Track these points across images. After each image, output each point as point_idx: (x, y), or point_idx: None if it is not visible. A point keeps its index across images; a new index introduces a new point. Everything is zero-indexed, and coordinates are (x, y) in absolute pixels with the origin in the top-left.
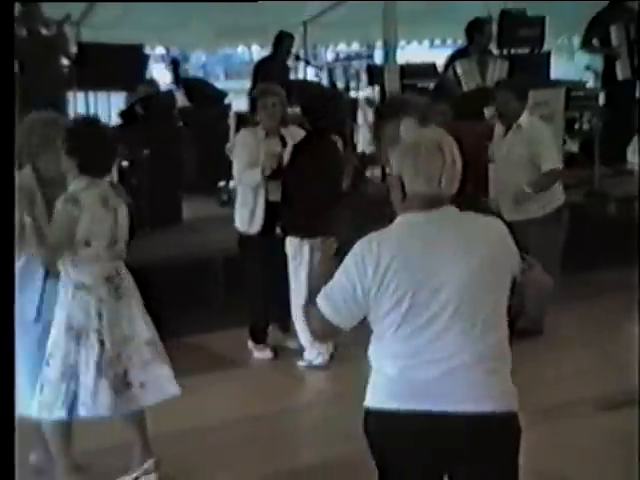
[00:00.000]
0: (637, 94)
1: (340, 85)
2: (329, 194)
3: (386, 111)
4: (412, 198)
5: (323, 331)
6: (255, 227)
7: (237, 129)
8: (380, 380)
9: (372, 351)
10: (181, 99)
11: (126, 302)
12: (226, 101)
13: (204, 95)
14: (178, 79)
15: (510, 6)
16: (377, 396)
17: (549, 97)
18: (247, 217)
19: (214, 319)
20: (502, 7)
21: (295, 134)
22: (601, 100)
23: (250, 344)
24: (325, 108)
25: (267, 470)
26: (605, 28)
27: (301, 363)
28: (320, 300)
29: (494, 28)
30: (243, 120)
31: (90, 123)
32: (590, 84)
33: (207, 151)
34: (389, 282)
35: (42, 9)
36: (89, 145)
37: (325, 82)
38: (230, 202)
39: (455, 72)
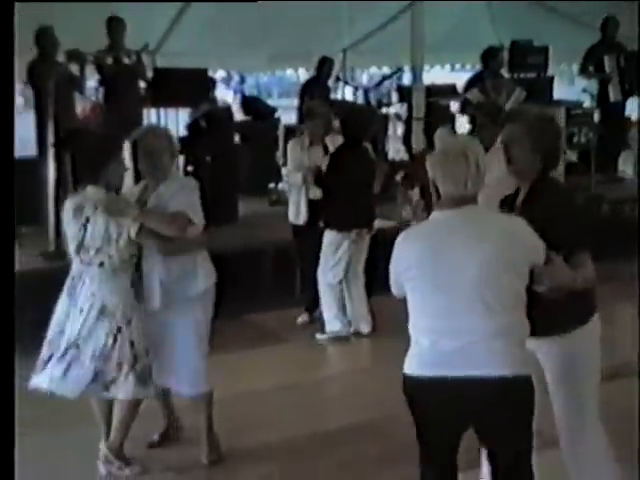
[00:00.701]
0: (626, 113)
1: (373, 102)
2: (362, 194)
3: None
4: (444, 198)
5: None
6: (301, 219)
7: (285, 139)
8: (416, 350)
9: (410, 326)
10: (238, 114)
11: (74, 303)
12: (276, 115)
13: (257, 110)
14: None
15: (519, 37)
16: (411, 364)
17: (552, 115)
18: (294, 211)
19: (265, 301)
20: (512, 38)
21: (336, 142)
22: (596, 117)
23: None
24: (359, 121)
25: (306, 431)
26: (599, 58)
27: (320, 337)
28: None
29: (505, 55)
30: (290, 131)
31: (77, 133)
32: (587, 104)
33: (259, 158)
34: (415, 267)
35: (125, 41)
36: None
37: (361, 100)
38: (278, 202)
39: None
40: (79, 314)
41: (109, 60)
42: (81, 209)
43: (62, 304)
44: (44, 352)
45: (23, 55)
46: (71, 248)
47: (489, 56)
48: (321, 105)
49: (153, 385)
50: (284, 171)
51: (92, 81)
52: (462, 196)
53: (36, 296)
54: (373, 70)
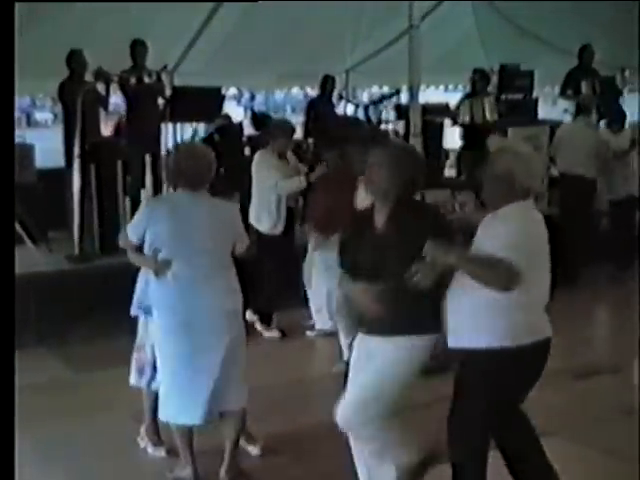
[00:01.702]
0: None
1: (373, 119)
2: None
3: None
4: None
5: None
6: (279, 228)
7: (295, 153)
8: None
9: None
10: (248, 128)
11: None
12: None
13: (266, 125)
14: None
15: (507, 62)
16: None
17: (537, 132)
18: (272, 221)
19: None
20: (501, 62)
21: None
22: None
23: (261, 327)
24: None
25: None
26: (576, 82)
27: (310, 333)
28: None
29: (495, 78)
30: (299, 146)
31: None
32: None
33: None
34: None
35: (146, 62)
36: None
37: (362, 117)
38: None
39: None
40: None
41: (132, 80)
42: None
43: None
44: None
45: (56, 75)
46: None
47: (477, 77)
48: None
49: None
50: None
51: (116, 98)
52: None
53: (60, 295)
54: (374, 89)
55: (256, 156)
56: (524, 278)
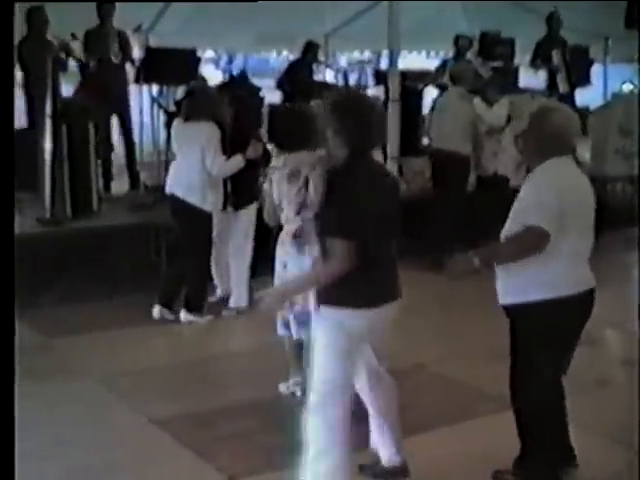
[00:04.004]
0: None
1: (352, 84)
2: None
3: None
4: None
5: None
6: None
7: (270, 116)
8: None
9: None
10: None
11: (308, 256)
12: (260, 94)
13: (244, 89)
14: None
15: (488, 28)
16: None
17: (520, 100)
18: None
19: None
20: (482, 29)
21: None
22: None
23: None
24: None
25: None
26: (547, 51)
27: (226, 312)
28: None
29: (475, 45)
30: (274, 108)
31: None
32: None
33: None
34: None
35: (113, 22)
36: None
37: (341, 82)
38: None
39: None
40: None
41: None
42: (297, 173)
43: (293, 262)
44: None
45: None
46: (291, 210)
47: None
48: None
49: None
50: None
51: None
52: None
53: (31, 258)
54: (355, 55)
55: None
56: (563, 230)
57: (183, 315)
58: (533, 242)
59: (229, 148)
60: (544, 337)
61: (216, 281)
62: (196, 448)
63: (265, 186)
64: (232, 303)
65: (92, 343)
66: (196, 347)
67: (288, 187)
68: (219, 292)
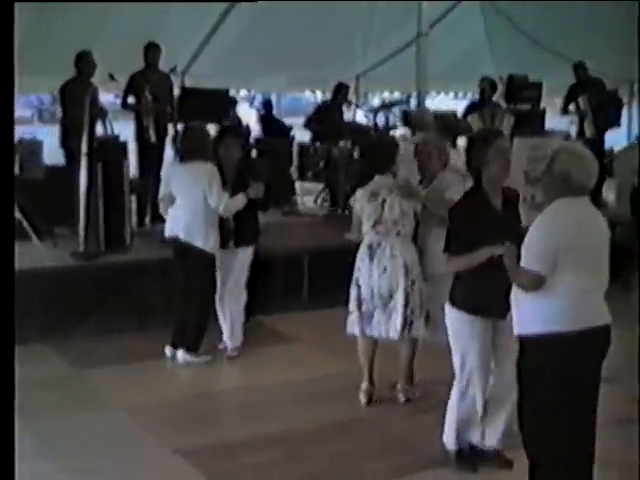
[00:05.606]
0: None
1: (381, 125)
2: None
3: None
4: None
5: None
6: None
7: (299, 156)
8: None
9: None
10: (257, 131)
11: (377, 264)
12: (291, 133)
13: (274, 128)
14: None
15: (516, 71)
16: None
17: (544, 143)
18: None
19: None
20: (510, 72)
21: None
22: None
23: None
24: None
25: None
26: (576, 97)
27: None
28: None
29: (502, 88)
30: (305, 148)
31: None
32: (573, 135)
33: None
34: None
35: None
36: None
37: (371, 123)
38: (291, 212)
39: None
40: (383, 272)
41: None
42: (376, 194)
43: (365, 268)
44: (356, 308)
45: (66, 74)
46: (367, 225)
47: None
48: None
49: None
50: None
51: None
52: None
53: (64, 291)
54: (385, 95)
55: None
56: (558, 267)
57: (180, 355)
58: (527, 284)
59: (231, 188)
60: (546, 376)
61: (221, 321)
62: (220, 478)
63: (352, 202)
64: (229, 343)
65: (121, 375)
66: (220, 380)
67: (368, 205)
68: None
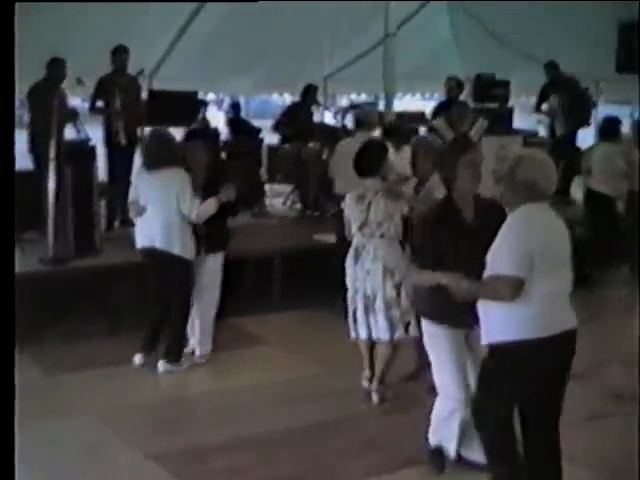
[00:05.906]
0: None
1: (350, 126)
2: None
3: None
4: None
5: None
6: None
7: (269, 158)
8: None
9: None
10: (226, 133)
11: (361, 266)
12: (260, 135)
13: (243, 130)
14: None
15: (483, 71)
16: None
17: (511, 142)
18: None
19: (246, 305)
20: (477, 72)
21: None
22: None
23: (175, 367)
24: None
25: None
26: (548, 96)
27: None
28: None
29: (470, 87)
30: (273, 150)
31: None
32: (542, 134)
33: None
34: None
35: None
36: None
37: (339, 124)
38: (261, 214)
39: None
40: (367, 275)
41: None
42: (363, 197)
43: (350, 270)
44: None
45: (29, 79)
46: (354, 227)
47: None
48: None
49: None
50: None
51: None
52: None
53: (33, 297)
54: (353, 96)
55: None
56: (531, 273)
57: (161, 365)
58: (507, 291)
59: (202, 192)
60: (509, 373)
61: (189, 330)
62: None
63: (342, 205)
64: (198, 350)
65: (92, 380)
66: (192, 384)
67: (355, 208)
68: (192, 342)
